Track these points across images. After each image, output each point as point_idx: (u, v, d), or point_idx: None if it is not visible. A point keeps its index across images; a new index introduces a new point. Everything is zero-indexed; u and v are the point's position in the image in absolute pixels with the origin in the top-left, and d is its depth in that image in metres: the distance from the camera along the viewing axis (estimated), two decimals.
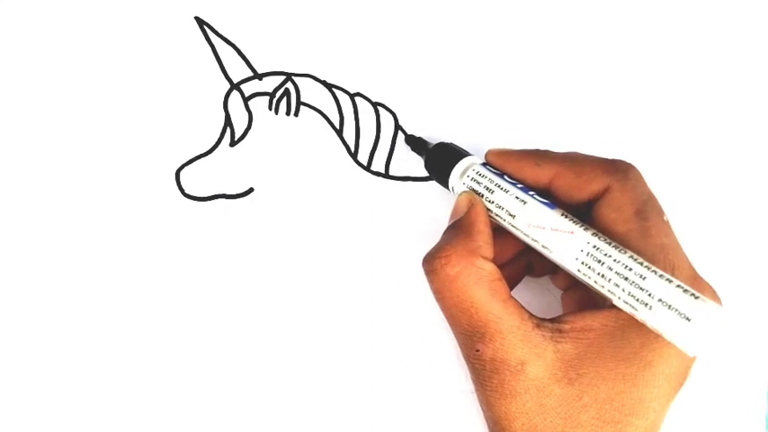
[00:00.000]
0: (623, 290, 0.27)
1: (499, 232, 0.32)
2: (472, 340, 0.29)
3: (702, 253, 0.39)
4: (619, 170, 0.31)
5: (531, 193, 0.31)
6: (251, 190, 0.40)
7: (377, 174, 0.40)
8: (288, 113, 0.40)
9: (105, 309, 0.39)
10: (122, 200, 0.39)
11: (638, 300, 0.27)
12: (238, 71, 0.40)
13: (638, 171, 0.31)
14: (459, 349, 0.38)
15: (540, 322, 0.29)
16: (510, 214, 0.31)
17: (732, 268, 0.39)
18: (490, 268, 0.29)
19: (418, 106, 0.40)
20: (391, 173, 0.40)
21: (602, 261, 0.28)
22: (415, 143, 0.38)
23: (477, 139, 0.40)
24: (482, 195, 0.32)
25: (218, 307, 0.39)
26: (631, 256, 0.28)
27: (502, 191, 0.31)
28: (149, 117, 0.40)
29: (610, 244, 0.28)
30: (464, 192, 0.33)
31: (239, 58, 0.40)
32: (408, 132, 0.38)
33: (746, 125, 0.40)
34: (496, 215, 0.32)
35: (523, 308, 0.29)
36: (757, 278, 0.38)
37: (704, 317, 0.25)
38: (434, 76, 0.40)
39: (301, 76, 0.40)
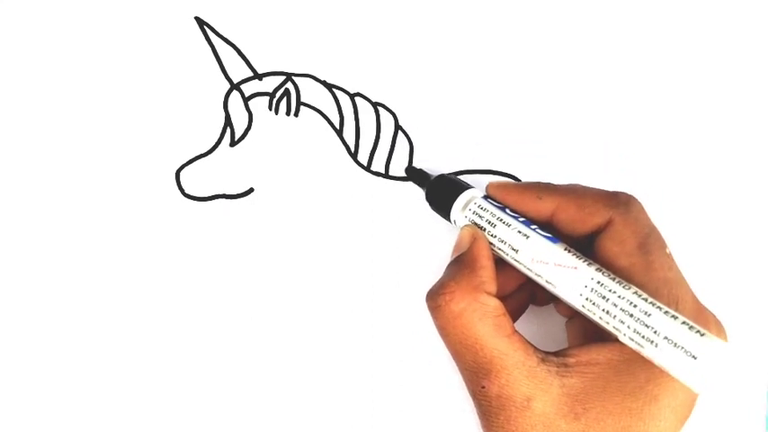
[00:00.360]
0: (628, 326, 0.27)
1: (502, 264, 0.32)
2: (477, 377, 0.29)
3: (702, 254, 0.39)
4: (620, 203, 0.30)
5: (533, 227, 0.31)
6: (251, 190, 0.40)
7: (377, 174, 0.40)
8: (288, 113, 0.40)
9: (105, 309, 0.39)
10: (123, 200, 0.39)
11: (643, 337, 0.27)
12: (238, 71, 0.40)
13: (639, 203, 0.31)
14: None
15: (544, 356, 0.29)
16: (513, 249, 0.31)
17: (732, 268, 0.39)
18: (494, 304, 0.29)
19: (418, 106, 0.40)
20: (391, 173, 0.40)
21: (607, 297, 0.28)
22: (416, 175, 0.38)
23: (478, 138, 0.40)
24: (484, 229, 0.32)
25: (218, 307, 0.39)
26: (635, 292, 0.28)
27: (504, 225, 0.31)
28: (149, 117, 0.40)
29: (614, 279, 0.28)
30: (466, 226, 0.33)
31: (239, 58, 0.40)
32: (410, 165, 0.38)
33: (747, 126, 0.40)
34: (499, 249, 0.31)
35: (528, 342, 0.29)
36: (756, 279, 0.38)
37: (710, 354, 0.25)
38: (434, 76, 0.40)
39: (301, 76, 0.40)
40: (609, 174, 0.39)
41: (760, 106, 0.40)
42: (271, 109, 0.40)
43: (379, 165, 0.40)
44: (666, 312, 0.27)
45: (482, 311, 0.29)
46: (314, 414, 0.38)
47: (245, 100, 0.40)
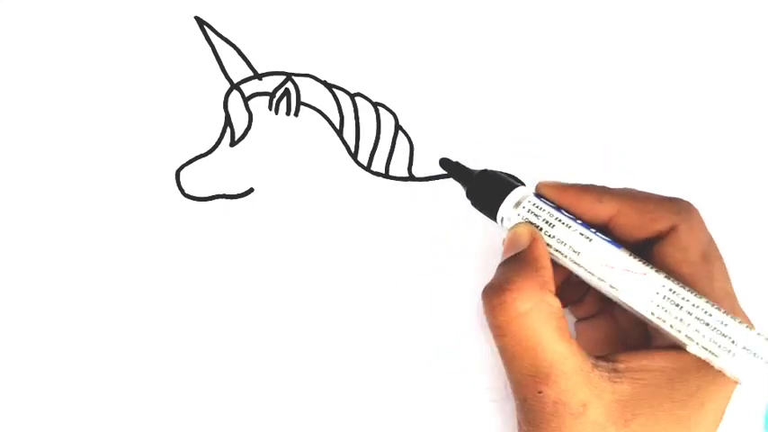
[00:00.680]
0: (703, 336, 0.27)
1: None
2: (534, 381, 0.28)
3: None
4: (683, 210, 0.30)
5: (592, 229, 0.30)
6: (251, 190, 0.40)
7: (377, 174, 0.40)
8: (288, 113, 0.40)
9: (105, 309, 0.39)
10: (122, 200, 0.39)
11: (719, 346, 0.26)
12: (238, 71, 0.40)
13: (699, 212, 0.31)
14: (457, 349, 0.38)
15: (596, 362, 0.28)
16: (574, 251, 0.29)
17: (732, 268, 0.39)
18: (558, 305, 0.28)
19: (418, 106, 0.40)
20: (391, 173, 0.40)
21: (681, 305, 0.27)
22: (453, 168, 0.34)
23: (478, 138, 0.40)
24: (540, 229, 0.30)
25: (218, 307, 0.39)
26: (707, 301, 0.27)
27: (564, 225, 0.30)
28: (149, 117, 0.40)
29: (684, 287, 0.28)
30: (522, 223, 0.31)
31: (239, 58, 0.40)
32: (445, 157, 0.35)
33: (747, 126, 0.40)
34: (556, 250, 0.30)
35: (581, 347, 0.29)
36: (756, 279, 0.38)
37: None
38: (434, 76, 0.40)
39: (301, 76, 0.40)
40: (609, 174, 0.39)
41: (760, 106, 0.40)
42: (271, 109, 0.40)
43: (379, 165, 0.40)
44: (741, 323, 0.26)
45: (547, 312, 0.28)
46: (314, 414, 0.38)
47: (245, 100, 0.40)
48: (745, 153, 0.39)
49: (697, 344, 0.27)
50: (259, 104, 0.40)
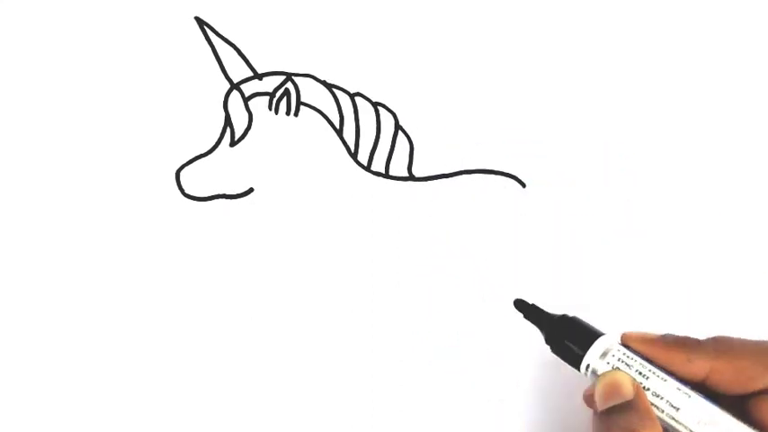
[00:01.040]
0: None
1: None
2: None
3: (702, 253, 0.39)
4: None
5: (688, 385, 0.29)
6: (251, 190, 0.40)
7: (377, 174, 0.40)
8: (288, 113, 0.40)
9: (105, 309, 0.39)
10: (122, 200, 0.39)
11: None
12: (238, 71, 0.40)
13: None
14: (457, 349, 0.38)
15: None
16: (672, 406, 0.29)
17: (732, 267, 0.39)
18: None
19: (418, 106, 0.40)
20: (391, 173, 0.40)
21: None
22: (529, 311, 0.34)
23: (478, 138, 0.40)
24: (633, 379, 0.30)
25: (218, 307, 0.39)
26: None
27: (659, 379, 0.29)
28: (149, 117, 0.40)
29: None
30: (620, 371, 0.30)
31: (239, 58, 0.40)
32: (521, 300, 0.34)
33: (747, 126, 0.40)
34: (651, 404, 0.29)
35: None
36: (756, 278, 0.38)
37: None
38: (434, 76, 0.40)
39: (301, 76, 0.40)
40: (609, 174, 0.39)
41: (760, 106, 0.40)
42: (271, 109, 0.40)
43: (379, 165, 0.40)
44: None
45: None
46: (314, 414, 0.38)
47: (245, 100, 0.40)
48: (745, 153, 0.39)
49: None
50: (259, 104, 0.40)
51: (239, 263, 0.39)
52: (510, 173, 0.39)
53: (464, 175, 0.39)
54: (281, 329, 0.39)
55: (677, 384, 0.29)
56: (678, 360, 0.30)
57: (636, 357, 0.30)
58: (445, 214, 0.39)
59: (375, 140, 0.40)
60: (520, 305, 0.34)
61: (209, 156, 0.40)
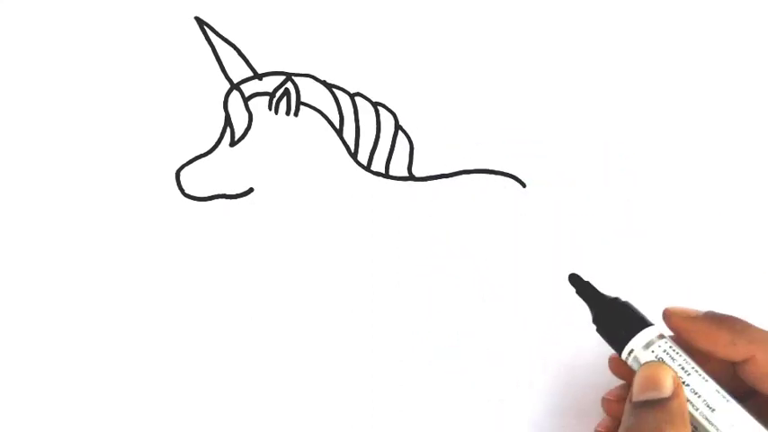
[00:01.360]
0: None
1: None
2: None
3: (702, 253, 0.39)
4: None
5: (725, 390, 0.29)
6: (251, 190, 0.40)
7: (377, 174, 0.40)
8: (288, 113, 0.40)
9: (105, 309, 0.39)
10: (122, 200, 0.39)
11: None
12: (238, 71, 0.40)
13: None
14: (457, 349, 0.38)
15: None
16: (708, 406, 0.28)
17: (732, 267, 0.39)
18: None
19: (418, 106, 0.40)
20: (391, 173, 0.40)
21: None
22: (582, 288, 0.33)
23: (478, 138, 0.40)
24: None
25: (218, 307, 0.39)
26: None
27: (700, 378, 0.29)
28: (149, 117, 0.40)
29: None
30: (664, 366, 0.29)
31: (239, 58, 0.40)
32: (576, 275, 0.33)
33: (747, 126, 0.40)
34: (688, 400, 0.29)
35: None
36: (756, 278, 0.38)
37: None
38: (434, 76, 0.40)
39: (301, 76, 0.40)
40: (609, 174, 0.39)
41: (760, 106, 0.40)
42: (271, 109, 0.40)
43: (379, 165, 0.40)
44: None
45: None
46: (314, 414, 0.38)
47: (245, 100, 0.40)
48: (745, 153, 0.39)
49: None
50: (259, 104, 0.40)
51: (239, 263, 0.39)
52: (510, 173, 0.39)
53: (464, 175, 0.39)
54: (281, 329, 0.39)
55: (717, 387, 0.29)
56: (722, 340, 0.29)
57: (681, 353, 0.29)
58: (445, 214, 0.39)
59: (375, 140, 0.40)
60: (573, 280, 0.33)
61: (209, 156, 0.40)
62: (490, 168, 0.39)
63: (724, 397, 0.28)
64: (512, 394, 0.37)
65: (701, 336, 0.29)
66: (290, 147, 0.40)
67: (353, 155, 0.40)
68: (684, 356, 0.29)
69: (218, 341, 0.39)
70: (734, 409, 0.28)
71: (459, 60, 0.40)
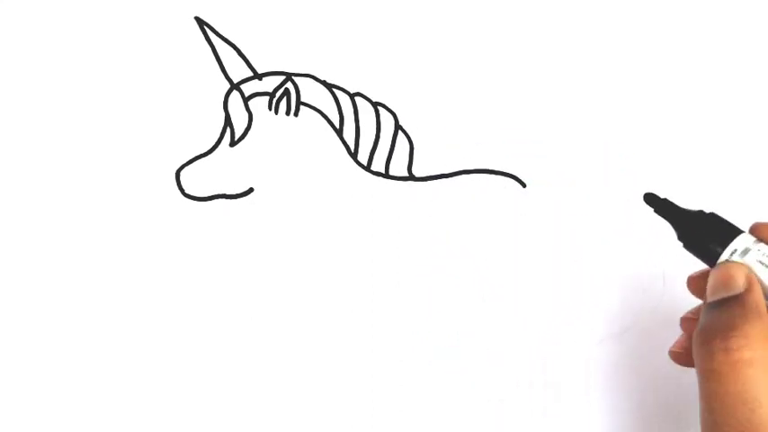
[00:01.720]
0: None
1: None
2: None
3: None
4: None
5: None
6: (251, 190, 0.40)
7: (377, 174, 0.40)
8: (288, 113, 0.40)
9: (105, 309, 0.39)
10: (122, 200, 0.39)
11: None
12: (238, 71, 0.40)
13: None
14: (457, 349, 0.38)
15: None
16: None
17: None
18: None
19: (418, 106, 0.40)
20: (391, 173, 0.40)
21: None
22: (661, 206, 0.32)
23: (478, 138, 0.40)
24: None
25: (218, 307, 0.39)
26: None
27: None
28: (149, 117, 0.40)
29: None
30: (735, 263, 0.29)
31: (239, 58, 0.40)
32: (647, 193, 0.32)
33: (747, 126, 0.40)
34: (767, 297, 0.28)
35: None
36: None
37: None
38: (434, 76, 0.40)
39: (301, 76, 0.40)
40: (609, 174, 0.39)
41: (760, 106, 0.40)
42: (271, 109, 0.40)
43: (379, 165, 0.40)
44: None
45: None
46: (314, 414, 0.38)
47: (245, 100, 0.40)
48: (745, 153, 0.39)
49: None
50: (259, 104, 0.40)
51: (239, 263, 0.39)
52: (510, 173, 0.39)
53: (464, 175, 0.39)
54: (281, 329, 0.39)
55: None
56: None
57: None
58: (445, 214, 0.39)
59: (375, 140, 0.40)
60: (650, 199, 0.32)
61: (209, 156, 0.40)
62: (490, 168, 0.39)
63: None
64: (512, 394, 0.37)
65: None
66: (290, 147, 0.40)
67: (353, 155, 0.40)
68: None
69: (218, 341, 0.39)
70: None
71: (458, 60, 0.40)
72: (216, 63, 0.40)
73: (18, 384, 0.38)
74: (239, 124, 0.40)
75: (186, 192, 0.39)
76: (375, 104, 0.40)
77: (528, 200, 0.39)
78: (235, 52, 0.40)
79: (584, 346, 0.37)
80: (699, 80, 0.40)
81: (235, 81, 0.40)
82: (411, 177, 0.40)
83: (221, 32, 0.40)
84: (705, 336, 0.27)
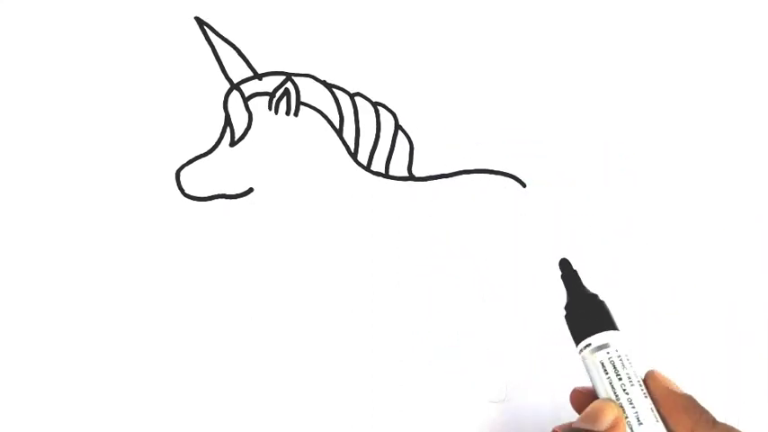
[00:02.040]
0: None
1: None
2: None
3: (702, 253, 0.39)
4: None
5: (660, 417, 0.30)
6: (251, 190, 0.40)
7: (377, 174, 0.40)
8: (288, 113, 0.40)
9: (105, 308, 0.39)
10: (122, 200, 0.39)
11: None
12: (238, 71, 0.40)
13: None
14: (457, 349, 0.38)
15: None
16: (638, 419, 0.30)
17: (732, 267, 0.39)
18: None
19: (418, 106, 0.40)
20: (391, 173, 0.40)
21: None
22: (568, 274, 0.33)
23: (478, 138, 0.40)
24: (619, 378, 0.30)
25: (218, 307, 0.39)
26: None
27: (641, 392, 0.30)
28: (149, 117, 0.40)
29: None
30: (611, 403, 0.30)
31: (239, 58, 0.40)
32: (562, 259, 0.33)
33: (746, 126, 0.40)
34: (621, 405, 0.30)
35: None
36: (756, 278, 0.38)
37: None
38: (434, 75, 0.40)
39: (301, 76, 0.40)
40: (609, 174, 0.39)
41: (760, 106, 0.40)
42: (271, 109, 0.40)
43: (379, 165, 0.40)
44: None
45: None
46: (314, 414, 0.38)
47: (245, 100, 0.40)
48: (744, 153, 0.39)
49: None
50: (259, 104, 0.40)
51: (239, 263, 0.39)
52: (510, 173, 0.39)
53: (464, 175, 0.39)
54: (281, 329, 0.39)
55: (652, 406, 0.30)
56: (684, 423, 0.30)
57: (632, 365, 0.30)
58: (445, 214, 0.39)
59: (375, 140, 0.40)
60: (563, 265, 0.33)
61: (209, 156, 0.40)
62: (490, 168, 0.39)
63: (655, 417, 0.30)
64: (512, 394, 0.37)
65: (668, 407, 0.30)
66: (290, 147, 0.40)
67: (353, 155, 0.40)
68: (634, 370, 0.30)
69: (218, 341, 0.39)
70: (658, 429, 0.29)
71: (458, 60, 0.40)
72: (216, 63, 0.40)
73: (18, 384, 0.38)
74: (239, 124, 0.40)
75: (186, 192, 0.39)
76: (375, 104, 0.40)
77: (528, 200, 0.39)
78: (235, 52, 0.40)
79: None
80: (698, 80, 0.40)
81: (235, 81, 0.40)
82: (411, 177, 0.40)
83: (221, 32, 0.40)
84: None
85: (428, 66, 0.40)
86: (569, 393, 0.33)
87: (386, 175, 0.40)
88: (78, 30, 0.40)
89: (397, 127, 0.40)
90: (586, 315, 0.32)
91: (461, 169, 0.39)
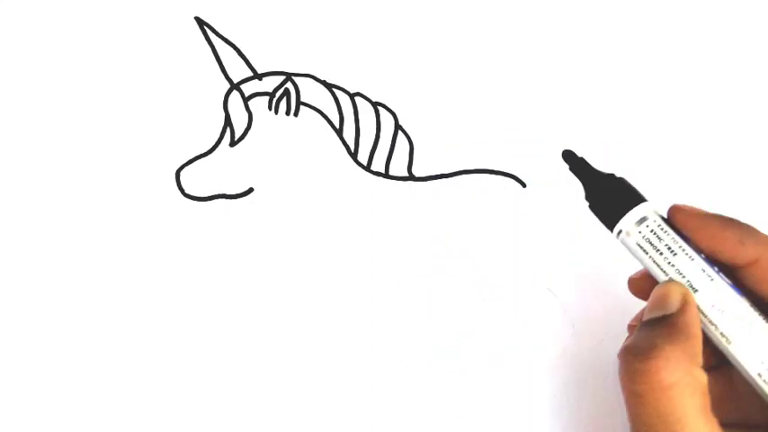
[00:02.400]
0: None
1: None
2: None
3: None
4: None
5: (715, 268, 0.27)
6: (251, 190, 0.40)
7: (377, 174, 0.40)
8: (288, 113, 0.40)
9: (105, 309, 0.39)
10: (122, 200, 0.39)
11: None
12: (238, 71, 0.40)
13: None
14: (457, 349, 0.38)
15: None
16: (692, 287, 0.27)
17: None
18: (705, 380, 0.26)
19: (418, 106, 0.40)
20: (391, 173, 0.40)
21: None
22: (576, 164, 0.31)
23: (478, 138, 0.40)
24: (660, 252, 0.28)
25: (218, 307, 0.39)
26: None
27: (686, 257, 0.27)
28: (149, 117, 0.40)
29: None
30: (675, 283, 0.28)
31: (239, 58, 0.40)
32: (570, 150, 0.32)
33: (747, 126, 0.40)
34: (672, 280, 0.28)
35: (718, 424, 0.26)
36: None
37: None
38: (434, 76, 0.40)
39: (301, 76, 0.40)
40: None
41: (760, 106, 0.40)
42: (270, 109, 0.40)
43: (379, 165, 0.40)
44: None
45: (694, 387, 0.25)
46: (314, 414, 0.38)
47: (245, 100, 0.40)
48: (745, 153, 0.39)
49: None
50: (259, 104, 0.40)
51: (239, 263, 0.39)
52: (510, 173, 0.39)
53: (464, 175, 0.39)
54: (281, 329, 0.39)
55: (704, 265, 0.27)
56: (729, 238, 0.28)
57: (671, 232, 0.28)
58: (445, 214, 0.39)
59: (375, 140, 0.40)
60: (567, 156, 0.31)
61: (209, 156, 0.40)
62: (490, 168, 0.39)
63: (709, 276, 0.27)
64: (512, 394, 0.37)
65: (708, 234, 0.28)
66: (290, 147, 0.40)
67: (353, 155, 0.40)
68: (673, 235, 0.28)
69: (218, 341, 0.39)
70: (716, 288, 0.27)
71: (458, 61, 0.40)
72: (216, 63, 0.40)
73: (18, 384, 0.38)
74: (239, 124, 0.40)
75: (186, 192, 0.39)
76: (375, 104, 0.40)
77: (528, 200, 0.39)
78: (235, 52, 0.40)
79: (585, 346, 0.37)
80: (698, 80, 0.40)
81: (235, 81, 0.40)
82: (411, 177, 0.40)
83: (221, 32, 0.40)
84: (624, 355, 0.26)
85: (428, 66, 0.40)
86: (627, 284, 0.31)
87: (386, 175, 0.40)
88: (78, 30, 0.41)
89: (397, 127, 0.40)
90: (608, 198, 0.30)
91: (461, 169, 0.39)
